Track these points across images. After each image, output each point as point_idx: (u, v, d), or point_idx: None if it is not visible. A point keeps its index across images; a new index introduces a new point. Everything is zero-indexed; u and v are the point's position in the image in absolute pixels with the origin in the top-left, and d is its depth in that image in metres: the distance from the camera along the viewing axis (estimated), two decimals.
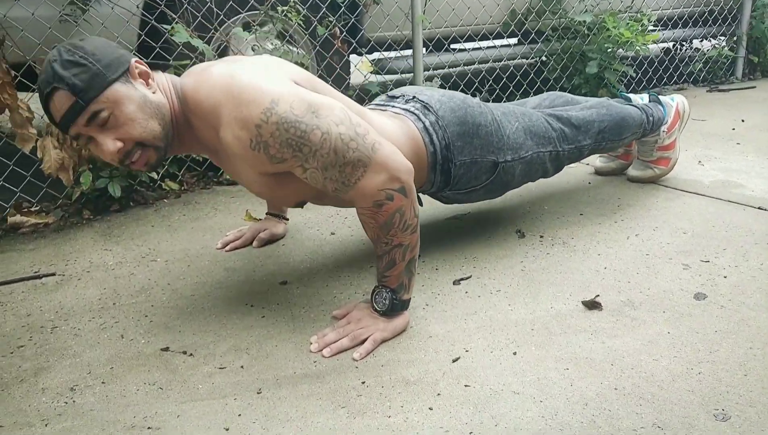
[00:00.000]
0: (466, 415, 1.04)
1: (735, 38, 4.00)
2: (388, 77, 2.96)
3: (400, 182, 1.19)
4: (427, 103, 1.50)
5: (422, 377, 1.14)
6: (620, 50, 3.13)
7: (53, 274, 1.64)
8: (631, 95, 2.01)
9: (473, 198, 1.62)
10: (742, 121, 2.90)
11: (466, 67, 3.02)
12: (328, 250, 1.72)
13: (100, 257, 1.74)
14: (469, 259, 1.62)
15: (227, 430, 1.03)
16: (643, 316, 1.31)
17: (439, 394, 1.09)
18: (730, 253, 1.57)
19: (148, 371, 1.20)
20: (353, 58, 2.91)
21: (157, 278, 1.59)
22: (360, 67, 2.84)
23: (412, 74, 2.77)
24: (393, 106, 1.53)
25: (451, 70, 3.02)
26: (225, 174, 2.34)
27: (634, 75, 3.33)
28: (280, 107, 1.13)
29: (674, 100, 2.02)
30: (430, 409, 1.06)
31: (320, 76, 2.53)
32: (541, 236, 1.73)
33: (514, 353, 1.20)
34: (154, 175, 2.21)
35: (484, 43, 3.20)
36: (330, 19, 2.47)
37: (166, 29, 2.10)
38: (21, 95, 1.89)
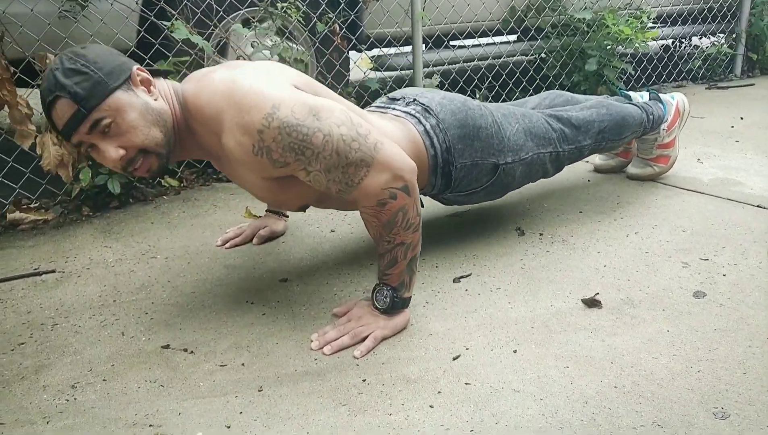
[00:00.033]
0: (467, 413, 1.04)
1: (734, 35, 4.00)
2: (387, 74, 2.95)
3: (404, 181, 1.20)
4: (427, 106, 1.50)
5: (423, 375, 1.15)
6: (619, 47, 3.13)
7: (53, 271, 1.63)
8: (631, 93, 2.02)
9: (474, 200, 1.63)
10: (741, 118, 2.91)
11: (465, 64, 3.02)
12: (328, 247, 1.72)
13: (100, 254, 1.74)
14: (469, 256, 1.62)
15: (229, 427, 1.03)
16: (642, 314, 1.32)
17: (439, 392, 1.10)
18: (729, 251, 1.58)
19: (149, 369, 1.20)
20: (353, 54, 2.90)
21: (157, 275, 1.59)
22: (359, 64, 2.84)
23: (411, 71, 2.77)
24: (393, 109, 1.53)
25: (450, 67, 3.02)
26: None
27: (633, 72, 3.33)
28: (282, 112, 1.13)
29: (674, 99, 2.02)
30: (431, 407, 1.06)
31: (320, 73, 2.53)
32: (541, 234, 1.73)
33: (515, 351, 1.21)
34: None
35: (484, 40, 3.20)
36: (329, 15, 2.46)
37: (165, 26, 2.09)
38: (20, 91, 1.89)
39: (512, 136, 1.57)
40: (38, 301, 1.49)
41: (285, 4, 2.28)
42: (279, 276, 1.56)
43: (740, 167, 2.20)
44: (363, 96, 2.63)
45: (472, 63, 3.08)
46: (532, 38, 3.20)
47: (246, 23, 2.36)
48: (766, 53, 4.05)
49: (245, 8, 2.34)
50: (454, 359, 1.19)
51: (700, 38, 4.30)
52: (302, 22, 2.40)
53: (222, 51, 2.39)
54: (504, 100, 3.04)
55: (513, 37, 3.40)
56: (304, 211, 1.47)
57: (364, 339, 1.24)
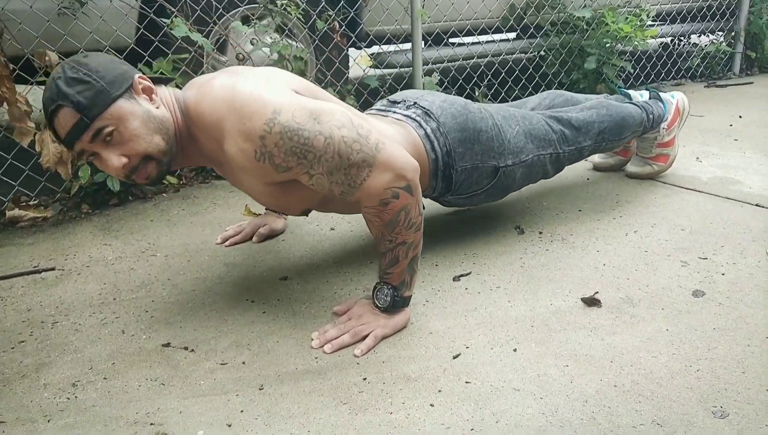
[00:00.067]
0: (467, 412, 1.05)
1: (733, 34, 4.00)
2: (386, 71, 2.95)
3: (406, 180, 1.20)
4: (428, 110, 1.50)
5: (423, 374, 1.15)
6: (618, 45, 3.13)
7: (53, 269, 1.63)
8: (630, 91, 2.02)
9: (474, 202, 1.63)
10: (740, 117, 2.91)
11: (465, 62, 3.02)
12: (328, 245, 1.73)
13: (100, 252, 1.73)
14: (469, 255, 1.62)
15: (230, 426, 1.03)
16: (641, 313, 1.32)
17: (440, 391, 1.10)
18: (728, 250, 1.58)
19: (149, 367, 1.20)
20: (352, 52, 2.90)
21: (157, 273, 1.59)
22: (359, 61, 2.83)
23: (410, 69, 2.77)
24: (394, 112, 1.53)
25: (450, 64, 3.01)
26: None
27: (632, 71, 3.34)
28: (283, 117, 1.14)
29: (674, 98, 2.02)
30: (432, 405, 1.07)
31: (319, 70, 2.52)
32: (540, 232, 1.74)
33: (514, 350, 1.21)
34: None
35: (483, 38, 3.20)
36: (329, 12, 2.46)
37: (165, 23, 2.09)
38: (19, 88, 1.88)
39: (512, 138, 1.57)
40: (38, 298, 1.49)
41: (284, 2, 2.28)
42: (279, 274, 1.56)
43: (739, 166, 2.21)
44: (362, 93, 2.63)
45: (472, 61, 3.08)
46: (531, 36, 3.20)
47: (245, 20, 2.35)
48: (765, 51, 4.06)
49: (245, 5, 2.34)
50: (455, 358, 1.19)
51: (699, 36, 4.30)
52: (302, 19, 2.40)
53: (221, 48, 2.39)
54: (503, 98, 3.05)
55: (512, 35, 3.40)
56: (307, 216, 1.48)
57: (364, 337, 1.24)
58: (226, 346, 1.26)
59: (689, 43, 4.44)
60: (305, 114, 1.16)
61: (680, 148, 2.30)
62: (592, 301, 1.37)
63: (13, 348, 1.29)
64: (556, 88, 3.17)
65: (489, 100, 2.94)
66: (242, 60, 2.33)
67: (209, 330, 1.32)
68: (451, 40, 3.05)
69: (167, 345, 1.27)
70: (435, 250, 1.65)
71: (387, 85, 2.72)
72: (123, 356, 1.24)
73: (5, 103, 1.84)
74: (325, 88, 2.43)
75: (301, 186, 1.25)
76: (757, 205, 1.85)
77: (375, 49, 2.91)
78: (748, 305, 1.33)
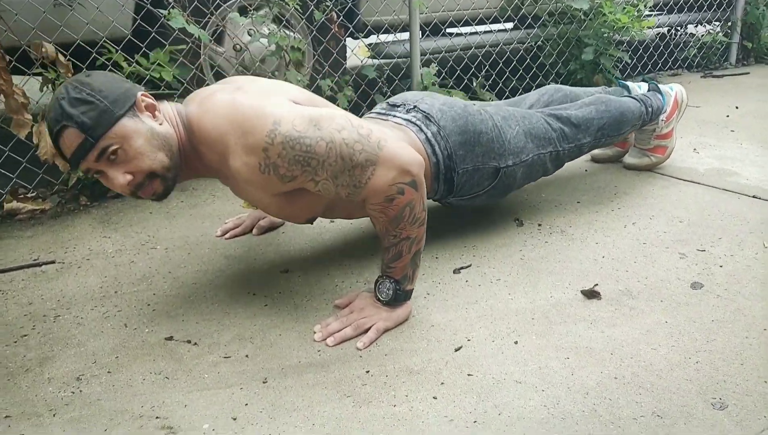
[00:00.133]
0: (470, 404, 1.06)
1: (729, 24, 4.00)
2: (384, 61, 2.94)
3: (411, 175, 1.21)
4: (428, 113, 1.51)
5: (426, 366, 1.16)
6: (615, 36, 3.12)
7: (53, 262, 1.63)
8: (629, 83, 2.02)
9: (476, 203, 1.64)
10: (736, 107, 2.92)
11: (462, 52, 3.01)
12: (329, 237, 1.73)
13: (99, 244, 1.73)
14: (469, 247, 1.63)
15: (235, 419, 1.04)
16: (641, 305, 1.34)
17: (442, 384, 1.11)
18: (726, 242, 1.60)
19: (153, 360, 1.21)
20: (350, 42, 2.89)
21: (158, 266, 1.59)
22: (357, 52, 2.82)
23: (408, 59, 2.76)
24: (394, 116, 1.53)
25: (447, 54, 3.01)
26: None
27: (629, 61, 3.34)
28: (283, 127, 1.16)
29: (673, 90, 2.03)
30: (434, 398, 1.08)
31: (317, 61, 2.51)
32: (540, 224, 1.75)
33: (516, 342, 1.22)
34: None
35: (481, 28, 3.19)
36: (327, 3, 2.45)
37: (161, 14, 2.07)
38: (16, 80, 1.87)
39: (512, 138, 1.58)
40: (39, 292, 1.49)
41: None
42: (280, 267, 1.57)
43: (735, 157, 2.22)
44: (360, 84, 2.62)
45: (470, 51, 3.07)
46: (529, 26, 3.19)
47: (243, 11, 2.34)
48: (761, 42, 4.07)
49: None
50: (456, 350, 1.20)
51: (696, 26, 4.30)
52: (299, 9, 2.38)
53: (219, 39, 2.37)
54: (501, 89, 3.04)
55: (510, 25, 3.39)
56: (311, 224, 1.49)
57: (366, 330, 1.25)
58: (228, 340, 1.27)
59: (686, 34, 4.44)
60: (305, 122, 1.18)
61: (677, 140, 2.31)
62: (591, 294, 1.38)
63: (15, 342, 1.29)
64: (553, 79, 3.18)
65: (487, 90, 2.93)
66: (239, 51, 2.32)
67: (212, 323, 1.33)
68: (449, 30, 3.04)
69: (170, 338, 1.28)
70: (435, 243, 1.65)
71: (385, 76, 2.71)
72: (126, 350, 1.25)
73: (2, 95, 1.83)
74: (322, 78, 2.42)
75: (307, 194, 1.26)
76: (754, 196, 1.86)
77: (373, 39, 2.90)
78: (746, 297, 1.35)
